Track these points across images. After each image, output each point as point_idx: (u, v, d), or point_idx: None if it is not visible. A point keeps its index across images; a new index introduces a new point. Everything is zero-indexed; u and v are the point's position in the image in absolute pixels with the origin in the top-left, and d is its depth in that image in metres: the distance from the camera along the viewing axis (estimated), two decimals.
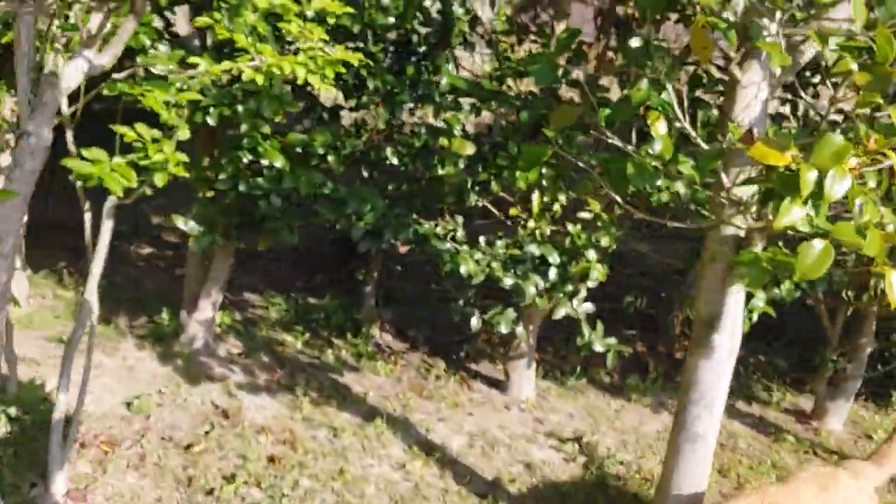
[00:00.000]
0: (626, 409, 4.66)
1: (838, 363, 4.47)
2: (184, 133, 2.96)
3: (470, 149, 3.88)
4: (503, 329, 4.10)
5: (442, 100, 3.92)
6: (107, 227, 3.13)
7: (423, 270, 5.79)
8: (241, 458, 3.56)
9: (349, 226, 3.99)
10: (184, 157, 2.93)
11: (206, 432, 3.75)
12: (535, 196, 3.99)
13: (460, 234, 4.06)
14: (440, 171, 3.92)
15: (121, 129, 2.81)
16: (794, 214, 2.02)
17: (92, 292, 3.15)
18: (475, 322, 4.14)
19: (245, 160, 3.89)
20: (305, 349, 4.85)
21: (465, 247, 3.97)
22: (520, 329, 4.16)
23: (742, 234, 2.63)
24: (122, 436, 3.63)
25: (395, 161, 4.01)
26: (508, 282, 3.86)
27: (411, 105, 4.03)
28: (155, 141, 2.90)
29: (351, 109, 4.21)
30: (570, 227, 3.93)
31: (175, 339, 4.56)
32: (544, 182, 3.94)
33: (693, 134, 2.50)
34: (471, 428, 4.12)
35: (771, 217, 2.22)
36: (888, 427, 4.25)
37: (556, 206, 3.98)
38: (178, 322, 4.65)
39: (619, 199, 2.61)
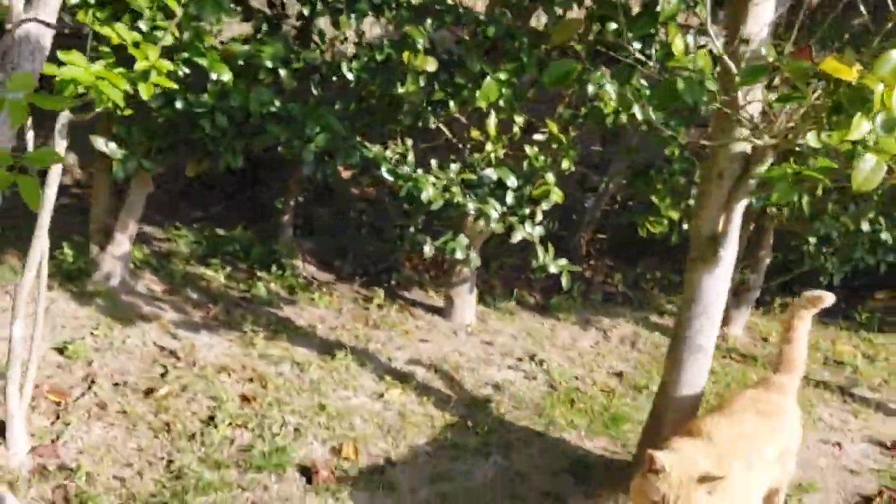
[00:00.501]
0: (558, 328, 4.82)
1: (745, 276, 4.86)
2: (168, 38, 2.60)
3: (432, 65, 3.72)
4: (459, 255, 4.07)
5: (403, 11, 3.70)
6: (60, 148, 2.70)
7: (339, 197, 5.58)
8: (212, 399, 3.31)
9: (297, 149, 3.72)
10: (169, 65, 2.58)
11: (162, 375, 3.44)
12: (493, 118, 3.94)
13: (410, 158, 3.94)
14: (400, 89, 3.74)
15: (105, 29, 2.40)
16: (863, 128, 2.13)
17: (43, 227, 2.73)
18: (428, 249, 4.08)
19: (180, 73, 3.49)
20: (231, 283, 4.55)
21: (419, 171, 3.85)
22: (472, 254, 4.14)
23: (749, 151, 2.73)
24: (68, 384, 3.24)
25: (350, 76, 3.76)
26: (471, 206, 3.81)
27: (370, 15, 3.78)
28: (136, 45, 2.52)
29: (300, 18, 3.88)
30: (527, 149, 3.92)
31: (87, 277, 4.10)
32: (501, 103, 3.89)
33: (720, 51, 2.54)
34: (429, 354, 4.09)
35: (827, 133, 2.33)
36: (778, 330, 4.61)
37: (515, 129, 3.95)
38: (85, 258, 4.16)
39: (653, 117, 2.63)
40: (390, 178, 3.85)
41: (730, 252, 2.84)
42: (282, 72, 3.61)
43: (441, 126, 4.05)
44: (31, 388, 2.83)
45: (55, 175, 2.65)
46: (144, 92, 2.50)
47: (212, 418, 3.17)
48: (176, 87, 2.77)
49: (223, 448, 3.02)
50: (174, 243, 4.88)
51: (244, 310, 4.24)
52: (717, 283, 2.91)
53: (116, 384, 3.31)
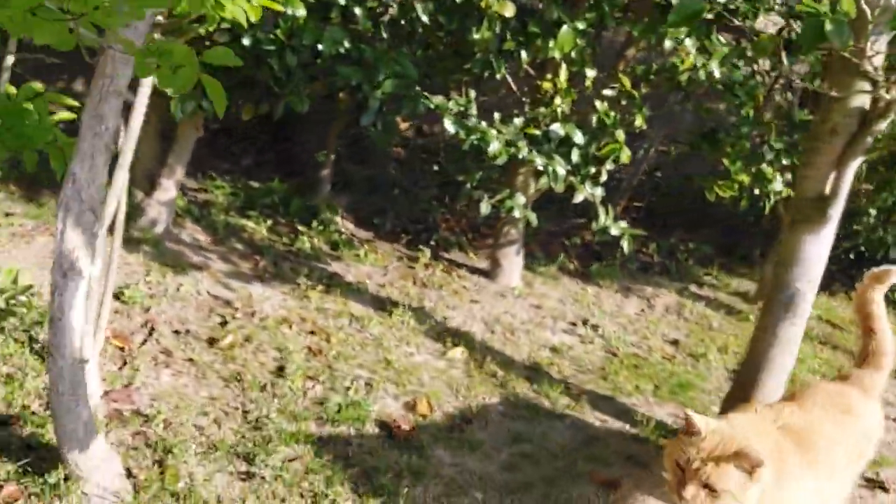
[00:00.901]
0: (602, 295, 4.74)
1: None
2: None
3: (510, 10, 3.56)
4: (517, 213, 3.96)
5: None
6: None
7: (371, 156, 5.42)
8: (278, 350, 3.20)
9: (365, 93, 3.57)
10: None
11: (222, 324, 3.32)
12: (564, 70, 3.80)
13: (474, 110, 3.80)
14: (475, 35, 3.58)
15: None
16: None
17: (126, 157, 2.57)
18: (485, 207, 3.96)
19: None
20: (273, 236, 4.40)
21: (482, 124, 3.72)
22: (531, 213, 4.02)
23: (868, 106, 2.64)
24: (129, 330, 3.10)
25: (424, 19, 3.58)
26: (539, 161, 3.69)
27: None
28: None
29: None
30: (597, 104, 3.80)
31: (132, 222, 3.92)
32: (574, 55, 3.76)
33: None
34: (483, 315, 4.00)
35: None
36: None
37: (588, 82, 3.82)
38: (129, 203, 3.99)
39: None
40: (454, 130, 3.71)
41: (837, 211, 2.76)
42: (357, 10, 3.45)
43: (508, 77, 3.90)
44: (103, 332, 2.69)
45: (142, 101, 2.50)
46: (252, 13, 2.34)
47: (281, 369, 3.07)
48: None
49: (297, 400, 2.91)
50: (211, 194, 4.71)
51: (291, 263, 4.11)
52: (820, 246, 2.83)
53: (177, 332, 3.19)
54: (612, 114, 3.78)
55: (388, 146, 5.05)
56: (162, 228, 3.98)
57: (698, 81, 3.67)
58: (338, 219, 4.79)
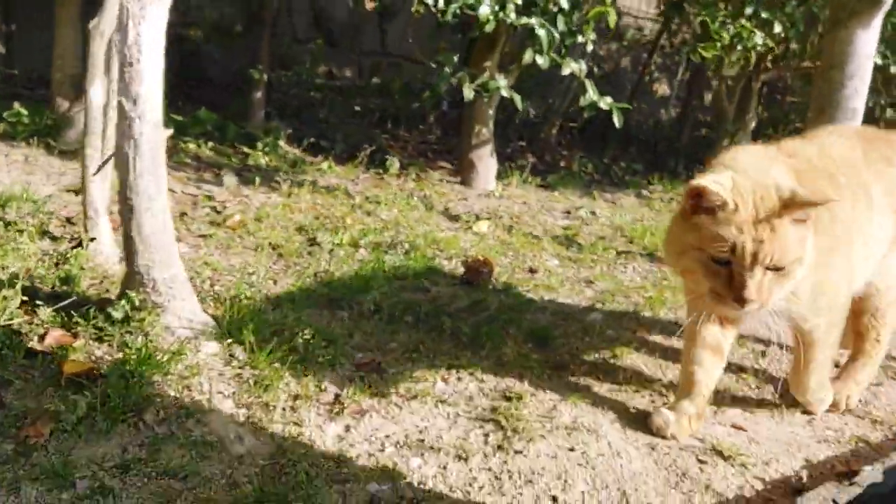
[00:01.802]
0: (571, 196, 4.55)
1: (736, 136, 4.87)
2: None
3: None
4: (504, 93, 3.68)
5: None
6: None
7: (303, 83, 4.95)
8: (298, 229, 2.70)
9: None
10: None
11: (216, 210, 2.77)
12: None
13: None
14: None
15: None
16: None
17: None
18: (468, 91, 3.64)
19: None
20: (221, 157, 3.83)
21: None
22: (516, 95, 3.74)
23: None
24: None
25: None
26: (535, 22, 3.44)
27: None
28: None
29: None
30: None
31: (58, 134, 3.25)
32: None
33: None
34: (481, 206, 3.66)
35: None
36: None
37: None
38: (50, 115, 3.32)
39: None
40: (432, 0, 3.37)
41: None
42: None
43: None
44: (108, 185, 2.11)
45: None
46: None
47: (312, 241, 2.58)
48: None
49: (351, 260, 2.44)
50: None
51: (256, 174, 3.56)
52: (870, 41, 2.76)
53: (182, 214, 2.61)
54: None
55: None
56: None
57: None
58: (282, 143, 4.27)
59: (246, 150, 3.98)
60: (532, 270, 2.70)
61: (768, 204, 1.35)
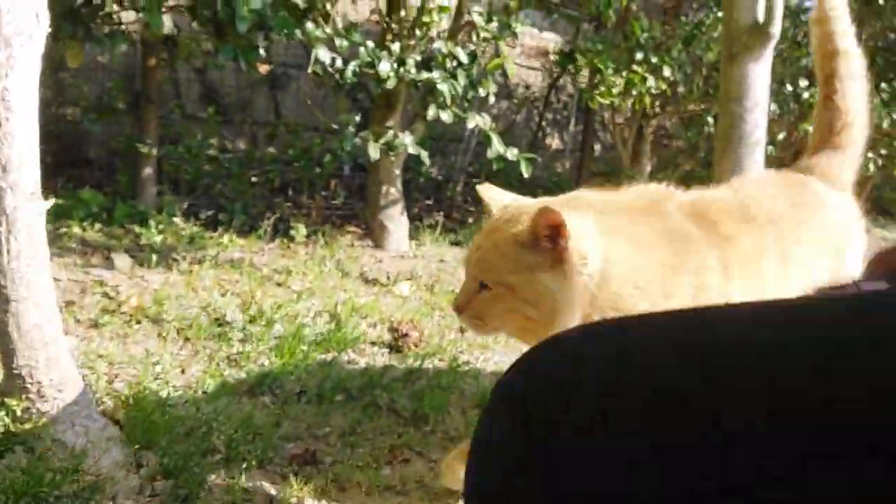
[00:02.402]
0: None
1: (633, 180, 4.94)
2: None
3: None
4: (411, 150, 3.59)
5: None
6: None
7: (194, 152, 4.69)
8: (204, 308, 2.45)
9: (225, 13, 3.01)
10: None
11: (107, 297, 2.48)
12: None
13: (347, 39, 3.40)
14: None
15: None
16: None
17: None
18: (373, 151, 3.54)
19: None
20: (110, 239, 3.53)
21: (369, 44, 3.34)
22: (423, 152, 3.65)
23: None
24: None
25: None
26: (438, 77, 3.38)
27: None
28: None
29: None
30: (475, 17, 3.58)
31: None
32: None
33: None
34: (400, 267, 3.51)
35: None
36: None
37: None
38: None
39: None
40: (329, 60, 3.28)
41: (777, 30, 2.77)
42: None
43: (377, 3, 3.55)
44: None
45: None
46: None
47: (220, 320, 2.33)
48: None
49: (265, 338, 2.21)
50: None
51: (150, 253, 3.28)
52: (765, 71, 2.82)
53: (69, 303, 2.31)
54: (492, 24, 3.57)
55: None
56: None
57: None
58: (177, 219, 4.00)
59: (138, 229, 3.68)
60: (462, 330, 2.54)
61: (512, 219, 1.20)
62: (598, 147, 6.97)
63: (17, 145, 1.24)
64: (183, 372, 1.92)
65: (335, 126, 3.69)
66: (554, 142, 7.16)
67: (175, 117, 4.60)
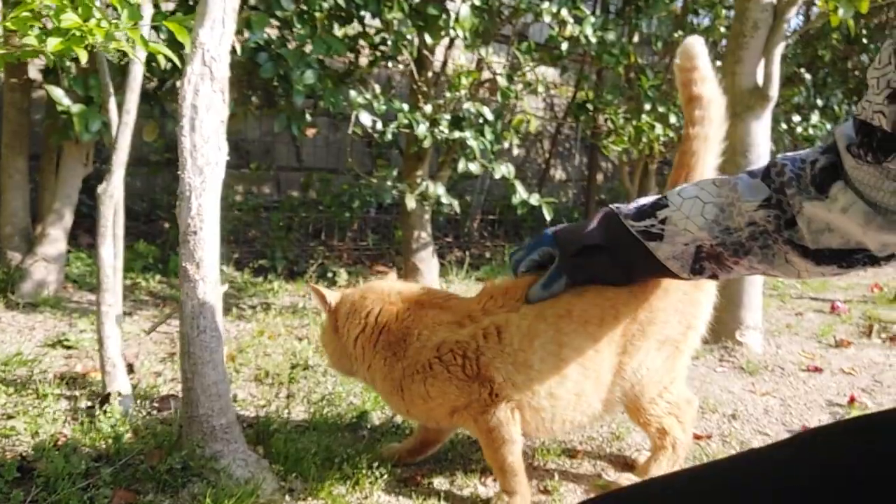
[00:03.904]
0: None
1: None
2: None
3: None
4: (444, 200, 3.96)
5: None
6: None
7: (230, 201, 5.05)
8: (293, 354, 2.78)
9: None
10: None
11: None
12: (463, 49, 3.92)
13: (382, 103, 3.77)
14: (388, 15, 3.57)
15: None
16: None
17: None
18: (410, 201, 3.91)
19: None
20: (174, 289, 3.87)
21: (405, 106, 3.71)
22: (454, 201, 4.01)
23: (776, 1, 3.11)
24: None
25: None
26: (469, 135, 3.75)
27: None
28: None
29: None
30: (499, 80, 3.97)
31: (12, 289, 3.24)
32: (466, 36, 3.90)
33: None
34: None
35: None
36: None
37: (487, 57, 3.97)
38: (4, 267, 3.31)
39: None
40: (370, 122, 3.65)
41: (776, 92, 3.15)
42: None
43: (411, 63, 3.92)
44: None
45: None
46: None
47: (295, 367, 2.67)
48: None
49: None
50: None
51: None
52: (765, 129, 3.20)
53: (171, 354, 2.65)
54: (514, 87, 3.96)
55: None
56: (52, 291, 3.31)
57: (579, 46, 3.99)
58: (225, 267, 4.34)
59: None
60: None
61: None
62: (599, 176, 7.35)
63: (208, 248, 1.60)
64: (289, 412, 2.26)
65: (373, 179, 4.05)
66: (558, 172, 7.55)
67: None
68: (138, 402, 2.13)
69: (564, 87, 5.93)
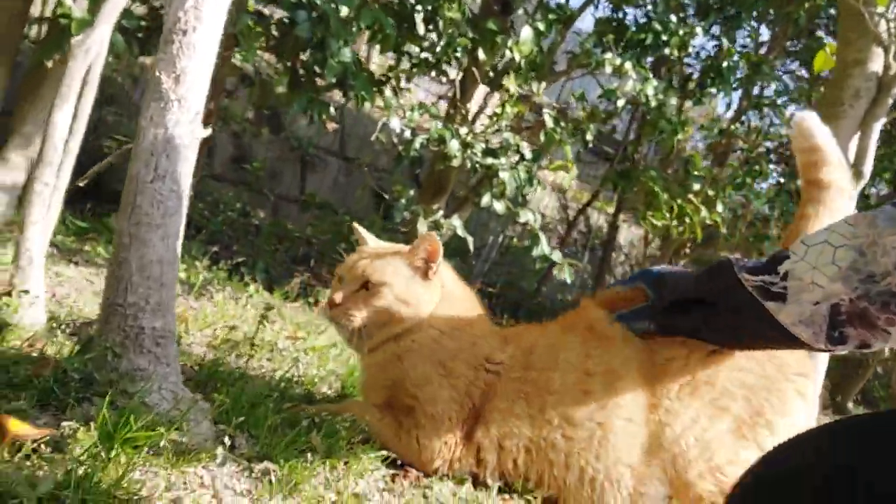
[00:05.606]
0: None
1: None
2: None
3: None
4: (460, 232, 3.51)
5: None
6: None
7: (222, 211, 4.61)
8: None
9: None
10: None
11: None
12: (513, 76, 3.58)
13: (416, 113, 3.41)
14: (448, 13, 3.23)
15: None
16: None
17: None
18: (422, 226, 3.47)
19: None
20: None
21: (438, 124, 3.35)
22: (469, 237, 3.58)
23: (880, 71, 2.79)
24: None
25: None
26: (503, 162, 3.36)
27: None
28: None
29: None
30: (546, 117, 3.61)
31: None
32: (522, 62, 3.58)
33: None
34: None
35: None
36: None
37: (538, 92, 3.63)
38: None
39: None
40: (399, 129, 3.27)
41: (869, 170, 2.79)
42: None
43: (454, 79, 3.58)
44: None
45: None
46: None
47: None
48: None
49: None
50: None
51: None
52: (852, 210, 2.82)
53: None
54: (560, 129, 3.59)
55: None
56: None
57: (637, 103, 3.67)
58: (198, 263, 3.84)
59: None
60: None
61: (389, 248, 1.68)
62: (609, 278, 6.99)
63: (196, 59, 1.13)
64: (247, 363, 1.73)
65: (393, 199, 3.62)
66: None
67: (203, 175, 4.54)
68: (51, 322, 1.60)
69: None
